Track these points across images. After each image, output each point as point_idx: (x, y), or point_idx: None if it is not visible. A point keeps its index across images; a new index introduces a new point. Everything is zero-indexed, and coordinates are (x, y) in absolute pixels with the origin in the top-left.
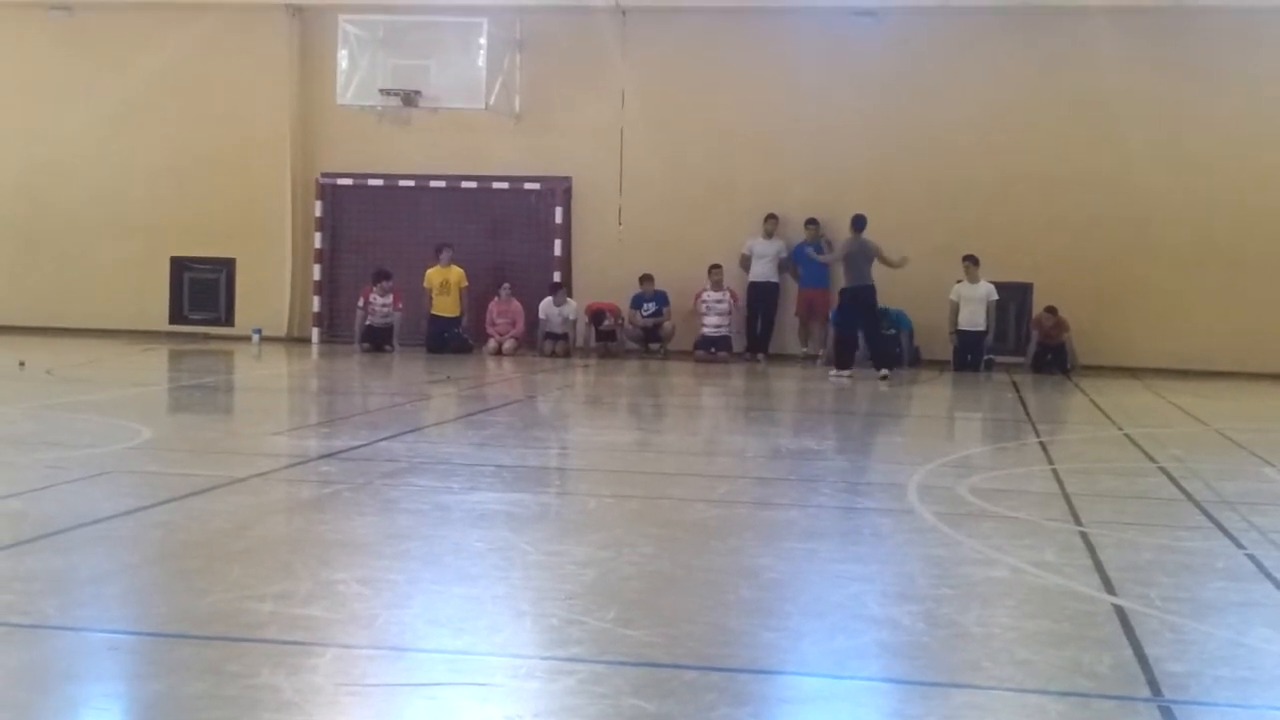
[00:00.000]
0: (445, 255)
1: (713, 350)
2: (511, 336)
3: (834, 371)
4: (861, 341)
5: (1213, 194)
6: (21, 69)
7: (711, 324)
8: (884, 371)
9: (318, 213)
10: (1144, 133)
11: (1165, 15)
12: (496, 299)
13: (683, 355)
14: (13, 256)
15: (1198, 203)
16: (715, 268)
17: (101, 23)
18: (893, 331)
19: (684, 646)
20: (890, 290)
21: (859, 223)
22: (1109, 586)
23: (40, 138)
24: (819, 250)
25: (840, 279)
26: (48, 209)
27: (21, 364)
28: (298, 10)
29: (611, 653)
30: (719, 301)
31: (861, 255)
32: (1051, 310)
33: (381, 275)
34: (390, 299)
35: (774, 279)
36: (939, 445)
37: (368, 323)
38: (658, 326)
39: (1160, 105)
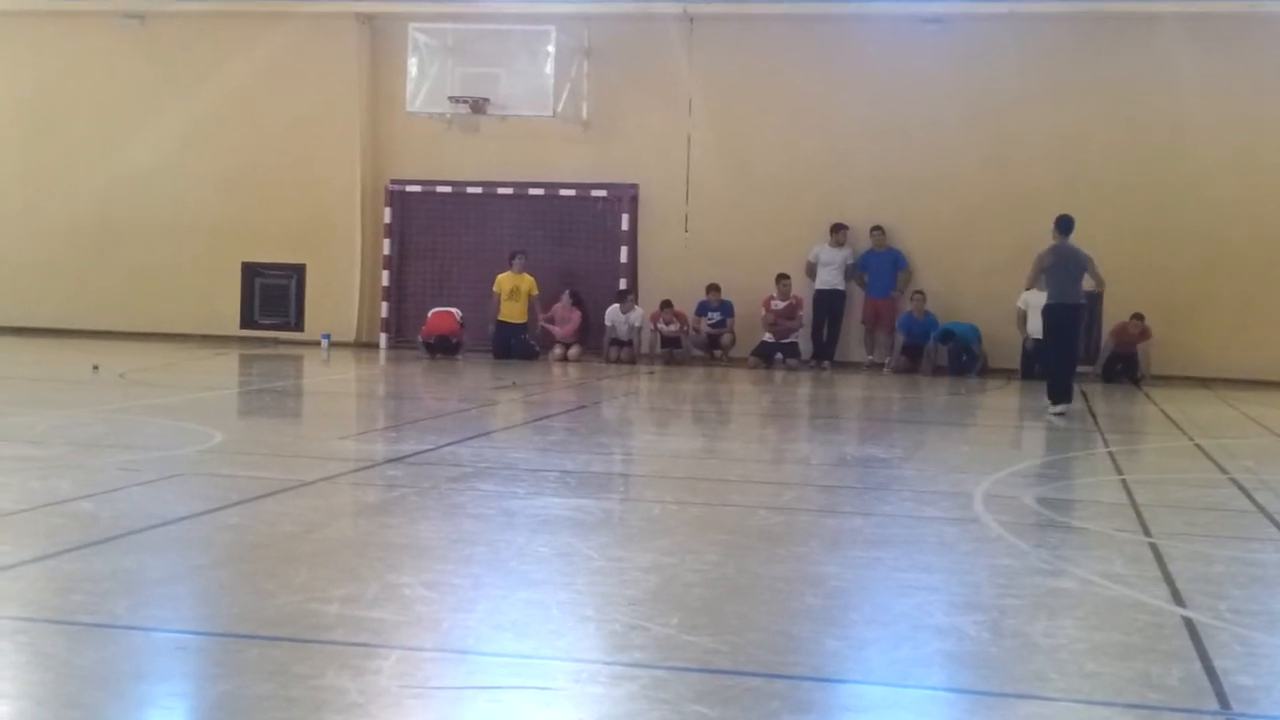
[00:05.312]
0: (519, 262)
1: (778, 357)
2: (574, 342)
3: (1050, 409)
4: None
5: None
6: (94, 77)
7: (779, 331)
8: (1060, 408)
9: (386, 219)
10: (1215, 141)
11: (1237, 22)
12: (560, 304)
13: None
14: (88, 262)
15: (1270, 212)
16: (783, 277)
17: (173, 31)
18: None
19: (747, 653)
20: (958, 300)
21: (1064, 225)
22: (1178, 599)
23: (113, 144)
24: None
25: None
26: (121, 215)
27: (95, 368)
28: (368, 19)
29: (674, 659)
30: (787, 315)
31: (1062, 267)
32: (1139, 317)
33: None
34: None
35: (840, 286)
36: (1006, 454)
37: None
38: (719, 336)
39: (1232, 113)
